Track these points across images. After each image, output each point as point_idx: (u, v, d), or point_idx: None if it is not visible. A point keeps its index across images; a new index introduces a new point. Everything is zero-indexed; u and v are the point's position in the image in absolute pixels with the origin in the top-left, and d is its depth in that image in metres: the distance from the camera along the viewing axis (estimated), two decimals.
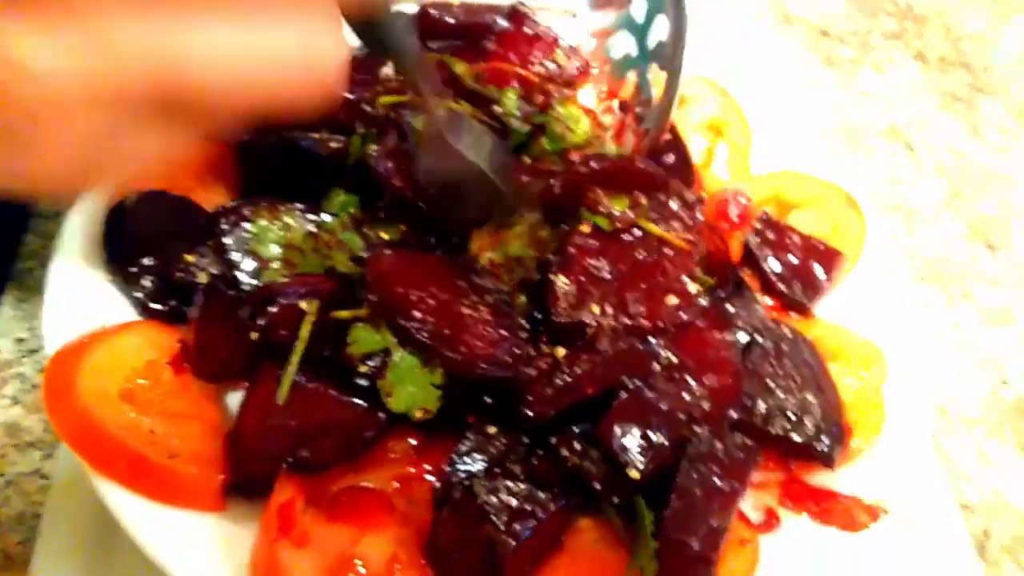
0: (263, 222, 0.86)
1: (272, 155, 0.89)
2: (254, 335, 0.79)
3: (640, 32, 1.02)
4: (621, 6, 1.04)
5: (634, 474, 0.75)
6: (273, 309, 0.78)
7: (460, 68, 0.95)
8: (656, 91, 0.98)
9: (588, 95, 1.05)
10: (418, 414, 0.76)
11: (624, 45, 1.05)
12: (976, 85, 1.48)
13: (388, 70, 1.02)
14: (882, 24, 1.55)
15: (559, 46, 1.04)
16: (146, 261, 0.85)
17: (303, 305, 0.79)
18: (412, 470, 0.81)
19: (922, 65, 1.49)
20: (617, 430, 0.76)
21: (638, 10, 1.02)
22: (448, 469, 0.77)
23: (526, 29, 1.04)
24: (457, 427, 0.80)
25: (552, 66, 1.03)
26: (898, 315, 0.98)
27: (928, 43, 1.54)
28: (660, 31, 0.99)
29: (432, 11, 1.02)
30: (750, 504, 0.83)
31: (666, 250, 0.85)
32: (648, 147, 0.97)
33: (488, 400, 0.81)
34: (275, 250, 0.84)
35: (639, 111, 1.01)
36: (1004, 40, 1.56)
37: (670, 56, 0.97)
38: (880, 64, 1.48)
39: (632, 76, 1.03)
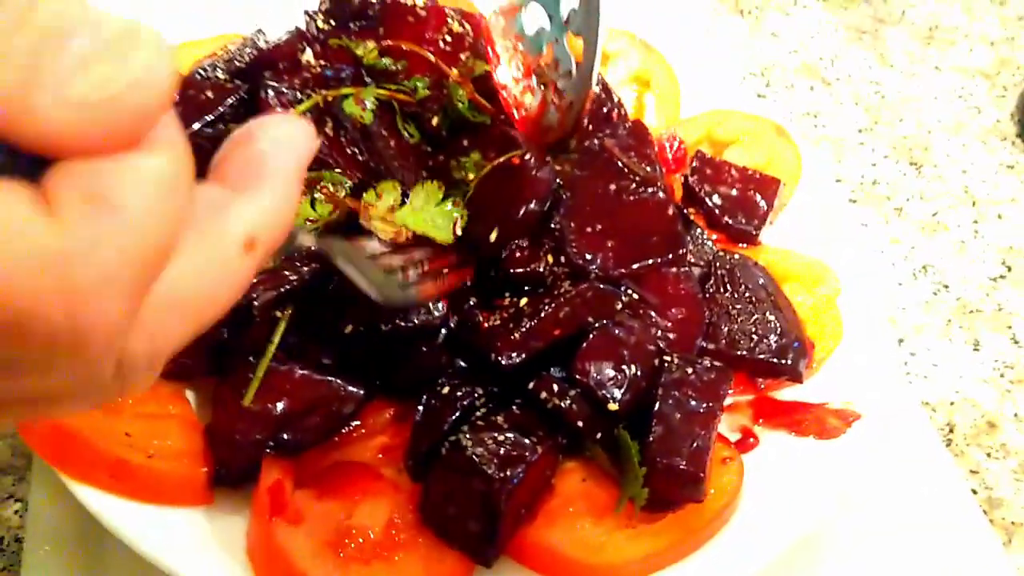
0: None
1: (211, 148, 0.88)
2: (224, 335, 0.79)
3: (552, 2, 0.98)
4: None
5: (613, 407, 0.77)
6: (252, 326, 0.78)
7: (361, 50, 0.94)
8: (574, 60, 0.95)
9: (504, 74, 1.04)
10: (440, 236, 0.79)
11: (536, 19, 1.03)
12: (878, 17, 1.53)
13: (308, 56, 1.02)
14: None
15: (448, 16, 0.99)
16: None
17: (277, 314, 0.79)
18: (394, 440, 0.81)
19: (825, 4, 1.54)
20: (591, 367, 0.77)
21: None
22: (432, 430, 0.77)
23: (415, 10, 1.01)
24: (434, 395, 0.80)
25: (448, 38, 1.01)
26: (843, 234, 1.02)
27: None
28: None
29: None
30: (727, 427, 0.86)
31: (633, 187, 0.87)
32: (575, 118, 0.93)
33: (463, 364, 0.82)
34: None
35: (560, 84, 1.00)
36: None
37: (585, 22, 0.93)
38: (785, 7, 1.53)
39: (547, 49, 0.98)
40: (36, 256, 0.31)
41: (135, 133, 0.34)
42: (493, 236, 0.83)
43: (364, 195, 0.82)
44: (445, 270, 0.80)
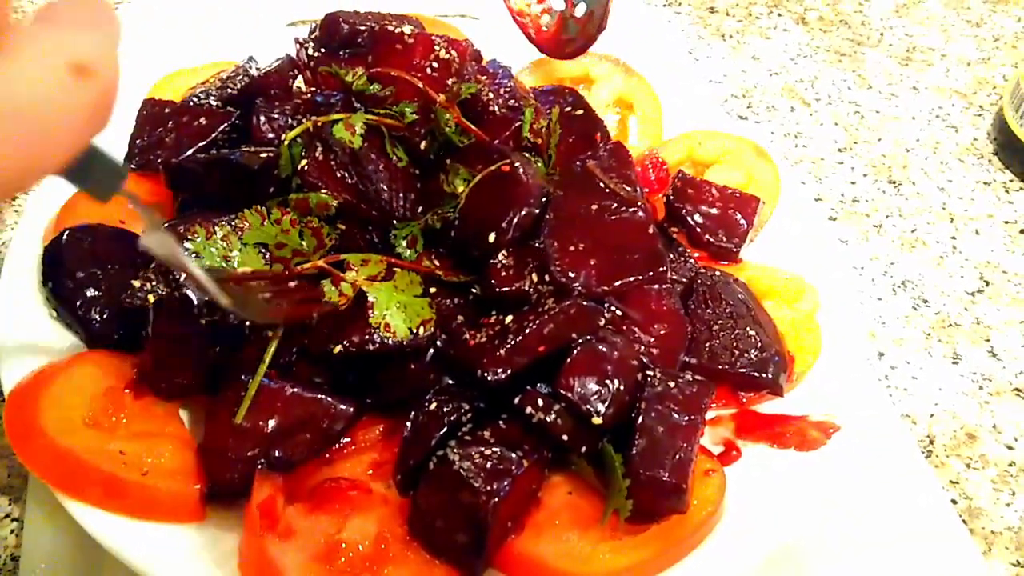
0: (199, 238, 0.86)
1: (204, 173, 0.90)
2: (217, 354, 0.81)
3: None
4: None
5: (597, 420, 0.78)
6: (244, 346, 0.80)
7: (350, 77, 0.96)
8: None
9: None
10: (422, 330, 0.81)
11: None
12: (857, 39, 1.57)
13: (300, 83, 1.05)
14: None
15: (435, 43, 0.99)
16: (91, 294, 0.86)
17: (268, 333, 0.81)
18: (383, 455, 0.83)
19: (805, 27, 1.58)
20: (575, 382, 0.79)
21: None
22: (419, 444, 0.79)
23: (403, 38, 1.03)
24: (422, 411, 0.82)
25: (435, 64, 1.03)
26: (822, 251, 1.04)
27: (808, 7, 1.63)
28: None
29: (343, 22, 1.04)
30: (709, 440, 0.87)
31: (615, 207, 0.89)
32: (597, 25, 1.05)
33: (451, 381, 0.84)
34: (220, 263, 0.86)
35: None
36: None
37: None
38: (766, 31, 1.56)
39: None
40: None
41: None
42: (492, 237, 0.86)
43: (349, 255, 0.84)
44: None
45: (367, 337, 0.82)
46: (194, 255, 0.85)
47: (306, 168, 0.89)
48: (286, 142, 0.90)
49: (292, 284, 0.82)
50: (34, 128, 0.39)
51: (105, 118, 0.43)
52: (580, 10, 1.11)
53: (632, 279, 0.87)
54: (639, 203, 0.88)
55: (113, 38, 0.44)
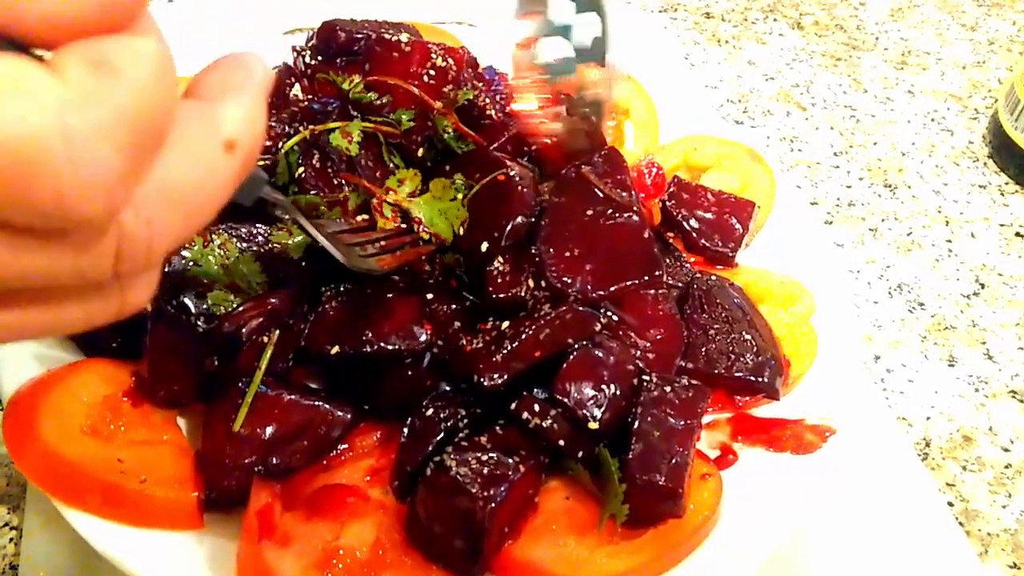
0: (197, 247, 0.87)
1: None
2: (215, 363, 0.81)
3: (568, 32, 1.02)
4: (542, 12, 1.04)
5: (594, 425, 0.79)
6: (239, 354, 0.80)
7: (347, 84, 0.97)
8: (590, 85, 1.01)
9: (525, 104, 1.08)
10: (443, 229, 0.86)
11: (552, 49, 1.04)
12: (852, 44, 1.57)
13: (296, 91, 1.05)
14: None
15: (432, 51, 1.01)
16: None
17: (265, 339, 0.81)
18: (381, 462, 0.83)
19: (800, 32, 1.59)
20: (572, 387, 0.80)
21: (559, 13, 1.03)
22: (416, 450, 0.79)
23: (400, 46, 1.02)
24: (419, 417, 0.82)
25: (432, 72, 1.04)
26: (816, 254, 1.05)
27: (803, 12, 1.64)
28: (588, 29, 1.01)
29: (340, 30, 1.05)
30: (706, 444, 0.88)
31: (610, 212, 0.90)
32: (597, 139, 1.00)
33: (446, 388, 0.84)
34: (217, 270, 0.86)
35: (586, 110, 1.03)
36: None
37: (602, 49, 1.00)
38: (761, 36, 1.57)
39: (569, 77, 1.03)
40: (39, 101, 0.33)
41: (126, 17, 0.37)
42: (484, 247, 0.86)
43: (387, 181, 0.89)
44: (403, 247, 0.85)
45: (364, 339, 0.83)
46: (192, 263, 0.86)
47: (303, 176, 0.90)
48: (284, 151, 0.90)
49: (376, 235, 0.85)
50: (191, 209, 0.41)
51: (248, 172, 0.45)
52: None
53: (628, 284, 0.87)
54: (634, 208, 0.89)
55: (259, 96, 0.45)
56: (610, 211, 0.89)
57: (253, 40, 1.15)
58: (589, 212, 0.89)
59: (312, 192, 0.88)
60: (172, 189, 0.40)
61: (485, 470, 0.76)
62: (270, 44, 1.10)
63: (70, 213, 0.35)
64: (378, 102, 0.95)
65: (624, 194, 0.90)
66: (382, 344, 0.82)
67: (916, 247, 1.23)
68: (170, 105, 0.39)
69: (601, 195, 0.90)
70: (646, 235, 0.89)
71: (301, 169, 0.90)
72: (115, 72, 0.35)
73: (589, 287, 0.86)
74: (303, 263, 0.86)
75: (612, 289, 0.87)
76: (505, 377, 0.79)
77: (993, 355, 1.11)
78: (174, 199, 0.40)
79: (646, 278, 0.88)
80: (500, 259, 0.88)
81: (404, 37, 1.07)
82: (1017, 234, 1.26)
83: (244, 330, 0.81)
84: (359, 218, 0.89)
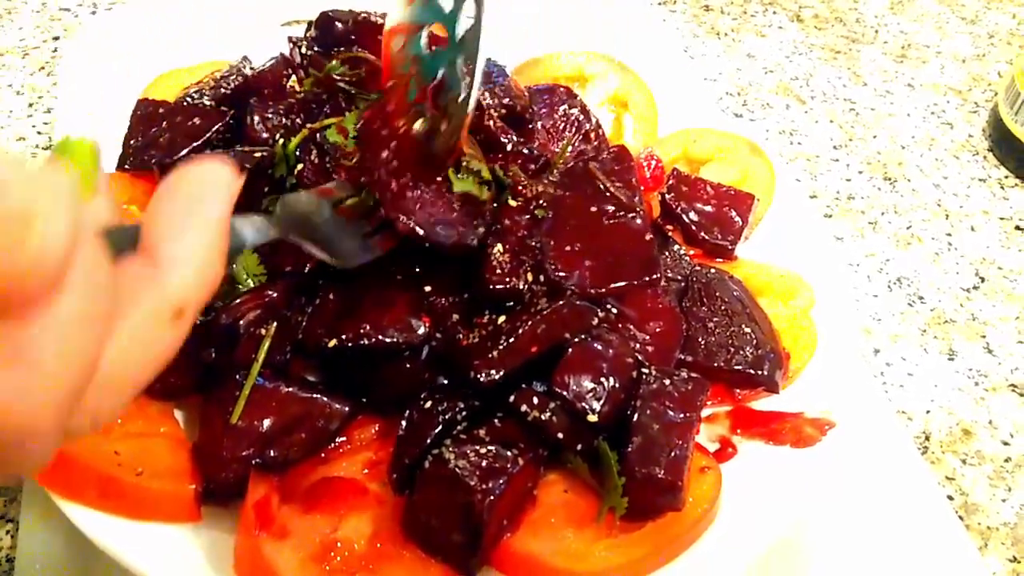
0: None
1: None
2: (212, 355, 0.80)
3: (450, 20, 0.82)
4: None
5: (593, 418, 0.78)
6: (237, 346, 0.80)
7: (329, 68, 0.96)
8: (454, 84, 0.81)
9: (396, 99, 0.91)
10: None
11: (427, 39, 0.85)
12: (852, 36, 1.57)
13: (294, 82, 1.05)
14: None
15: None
16: None
17: (262, 331, 0.81)
18: (379, 455, 0.83)
19: (800, 25, 1.58)
20: (570, 380, 0.79)
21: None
22: (414, 443, 0.79)
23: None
24: (417, 409, 0.82)
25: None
26: (816, 247, 1.04)
27: (803, 4, 1.63)
28: (464, 20, 0.81)
29: (337, 21, 1.04)
30: (706, 437, 0.87)
31: (613, 211, 0.89)
32: (448, 145, 0.81)
33: (444, 381, 0.84)
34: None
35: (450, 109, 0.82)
36: None
37: (474, 46, 0.79)
38: (760, 29, 1.56)
39: (441, 72, 0.82)
40: None
41: (43, 292, 0.37)
42: None
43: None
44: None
45: (362, 331, 0.82)
46: None
47: (303, 171, 0.89)
48: (287, 148, 0.90)
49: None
50: (138, 382, 0.42)
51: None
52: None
53: (624, 285, 0.87)
54: (637, 210, 0.88)
55: (213, 240, 0.44)
56: (614, 210, 0.89)
57: (252, 31, 1.15)
58: (593, 209, 0.89)
59: (311, 186, 0.88)
60: (116, 380, 0.41)
61: (484, 463, 0.75)
62: (268, 36, 1.09)
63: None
64: (366, 95, 0.94)
65: (629, 194, 0.90)
66: (380, 337, 0.81)
67: (916, 240, 1.23)
68: (100, 338, 0.39)
69: (607, 193, 0.89)
70: (647, 237, 0.88)
71: (300, 166, 0.89)
72: (30, 365, 0.37)
73: (587, 283, 0.86)
74: (301, 254, 0.86)
75: (609, 287, 0.86)
76: (501, 373, 0.78)
77: (993, 349, 1.10)
78: (119, 385, 0.41)
79: (645, 279, 0.87)
80: (500, 248, 0.87)
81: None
82: (1017, 227, 1.26)
83: (241, 322, 0.80)
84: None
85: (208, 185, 0.46)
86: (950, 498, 0.96)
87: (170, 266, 0.42)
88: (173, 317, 0.42)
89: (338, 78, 0.96)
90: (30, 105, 1.26)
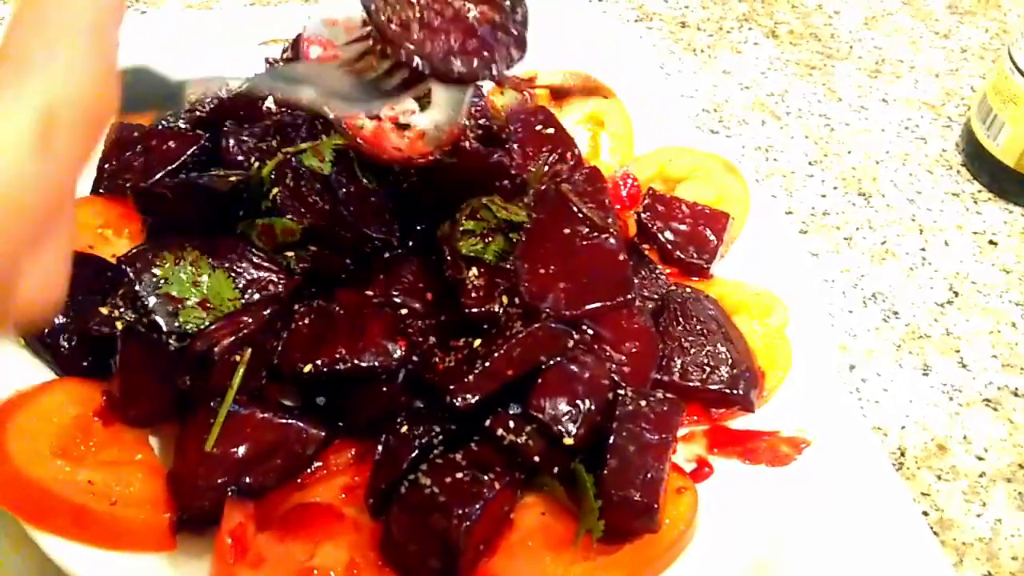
0: (168, 264, 0.86)
1: (172, 198, 0.90)
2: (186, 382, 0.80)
3: None
4: None
5: (569, 441, 0.79)
6: (211, 373, 0.79)
7: None
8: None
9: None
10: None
11: None
12: (826, 52, 1.58)
13: (270, 104, 1.05)
14: (734, 9, 1.65)
15: None
16: (58, 321, 0.85)
17: (237, 357, 0.80)
18: (356, 479, 0.83)
19: (775, 41, 1.59)
20: (546, 403, 0.80)
21: None
22: (390, 468, 0.79)
23: None
24: (393, 434, 0.82)
25: None
26: (791, 265, 1.05)
27: (778, 20, 1.64)
28: None
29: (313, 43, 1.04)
30: (682, 456, 0.88)
31: (587, 232, 0.90)
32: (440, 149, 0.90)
33: (420, 404, 0.84)
34: (189, 288, 0.85)
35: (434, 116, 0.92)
36: (846, 8, 1.68)
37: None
38: (736, 45, 1.58)
39: None
40: None
41: None
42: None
43: None
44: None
45: (338, 356, 0.82)
46: (163, 280, 0.85)
47: (278, 196, 0.89)
48: (262, 173, 0.90)
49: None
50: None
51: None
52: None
53: (599, 305, 0.87)
54: (611, 230, 0.89)
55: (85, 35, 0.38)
56: (587, 231, 0.89)
57: (228, 54, 1.14)
58: (566, 231, 0.89)
59: (288, 216, 0.88)
60: None
61: (460, 488, 0.75)
62: (244, 58, 1.09)
63: None
64: None
65: (603, 215, 0.90)
66: (356, 361, 0.81)
67: (890, 256, 1.24)
68: None
69: (579, 215, 0.90)
70: (621, 257, 0.89)
71: (276, 190, 0.89)
72: None
73: (562, 305, 0.86)
74: (277, 278, 0.86)
75: (584, 308, 0.87)
76: (477, 397, 0.79)
77: (967, 363, 1.11)
78: None
79: (619, 299, 0.87)
80: (475, 272, 0.88)
81: None
82: (990, 242, 1.27)
83: (216, 349, 0.80)
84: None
85: None
86: (925, 514, 0.97)
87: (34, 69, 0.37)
88: (41, 135, 0.36)
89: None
90: None
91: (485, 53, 0.77)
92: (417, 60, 0.75)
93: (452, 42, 0.76)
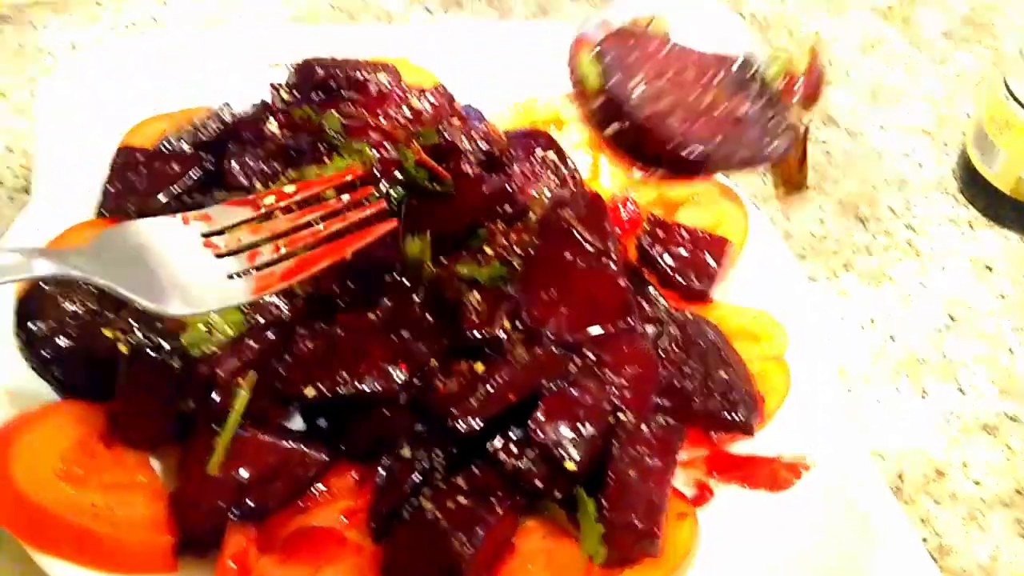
0: None
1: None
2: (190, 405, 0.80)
3: None
4: None
5: (571, 466, 0.79)
6: (215, 396, 0.80)
7: (331, 121, 0.98)
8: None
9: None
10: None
11: None
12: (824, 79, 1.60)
13: (272, 127, 1.05)
14: None
15: (409, 93, 1.04)
16: (62, 343, 0.85)
17: (241, 382, 0.81)
18: (358, 503, 0.83)
19: None
20: (548, 428, 0.80)
21: None
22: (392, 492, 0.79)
23: (376, 87, 1.06)
24: (395, 457, 0.82)
25: (408, 112, 1.03)
26: (789, 289, 1.06)
27: (774, 46, 1.66)
28: None
29: (318, 67, 1.06)
30: (682, 481, 0.88)
31: (588, 257, 0.91)
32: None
33: (421, 428, 0.84)
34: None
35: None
36: (842, 33, 1.70)
37: None
38: None
39: None
40: None
41: None
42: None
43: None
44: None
45: (339, 379, 0.83)
46: None
47: None
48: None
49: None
50: None
51: None
52: None
53: (600, 329, 0.88)
54: (611, 255, 0.90)
55: None
56: (587, 256, 0.90)
57: (233, 77, 1.15)
58: (567, 255, 0.90)
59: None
60: None
61: (463, 513, 0.76)
62: (250, 81, 1.10)
63: None
64: (357, 146, 0.95)
65: (602, 240, 0.91)
66: (358, 385, 0.82)
67: (888, 281, 1.25)
68: None
69: (580, 239, 0.90)
70: (622, 282, 0.90)
71: None
72: None
73: (564, 329, 0.87)
74: (281, 303, 0.86)
75: (585, 333, 0.87)
76: (480, 422, 0.79)
77: (965, 388, 1.12)
78: None
79: (620, 324, 0.88)
80: (476, 297, 0.88)
81: (383, 77, 1.08)
82: (987, 267, 1.28)
83: (219, 371, 0.80)
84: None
85: None
86: (924, 540, 0.97)
87: None
88: None
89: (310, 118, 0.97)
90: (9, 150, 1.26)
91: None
92: None
93: None
